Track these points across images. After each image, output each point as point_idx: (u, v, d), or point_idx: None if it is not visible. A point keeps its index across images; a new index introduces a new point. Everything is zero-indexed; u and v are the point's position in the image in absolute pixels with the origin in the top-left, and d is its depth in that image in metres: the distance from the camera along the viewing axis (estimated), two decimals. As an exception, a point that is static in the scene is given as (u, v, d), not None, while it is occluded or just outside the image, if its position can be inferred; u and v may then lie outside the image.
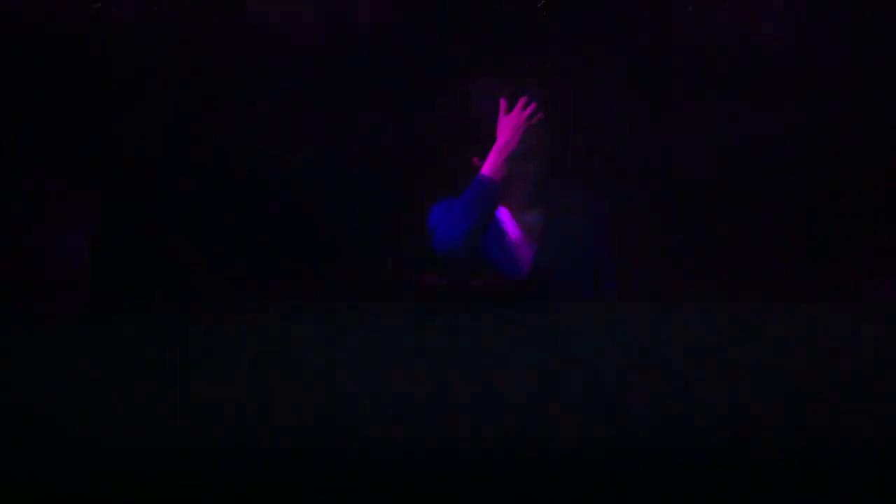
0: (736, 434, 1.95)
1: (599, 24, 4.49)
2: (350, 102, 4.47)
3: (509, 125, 3.99)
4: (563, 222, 4.04)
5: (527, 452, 1.92)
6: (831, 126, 4.47)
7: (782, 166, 4.49)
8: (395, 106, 4.46)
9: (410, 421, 1.98)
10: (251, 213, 4.39)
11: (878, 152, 4.47)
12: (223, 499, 1.84)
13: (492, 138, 4.02)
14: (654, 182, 4.47)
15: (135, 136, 4.35)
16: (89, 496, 1.83)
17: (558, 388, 2.13)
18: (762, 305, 3.37)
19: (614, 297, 4.03)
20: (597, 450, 1.91)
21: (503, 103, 4.01)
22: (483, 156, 4.02)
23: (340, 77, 4.48)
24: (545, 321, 3.14)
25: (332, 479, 1.87)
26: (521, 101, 3.99)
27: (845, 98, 4.49)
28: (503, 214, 4.05)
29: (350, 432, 1.96)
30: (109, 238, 4.20)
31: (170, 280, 4.23)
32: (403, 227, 4.27)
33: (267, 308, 3.58)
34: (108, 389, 2.14)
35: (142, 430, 1.91)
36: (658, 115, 4.50)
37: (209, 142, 4.39)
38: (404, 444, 1.93)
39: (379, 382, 2.18)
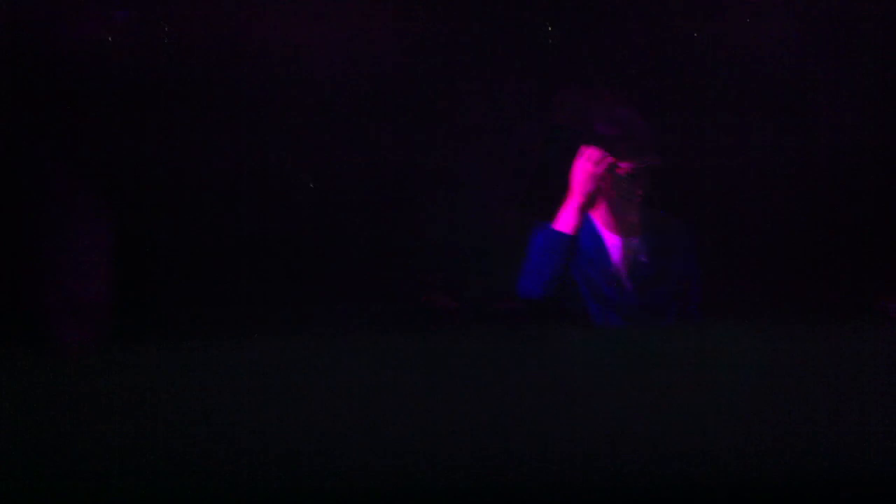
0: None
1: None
2: (363, 124, 4.48)
3: (582, 174, 4.05)
4: (656, 246, 4.13)
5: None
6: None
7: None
8: (412, 126, 4.47)
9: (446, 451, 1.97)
10: (264, 238, 4.40)
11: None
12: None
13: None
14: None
15: (155, 169, 4.37)
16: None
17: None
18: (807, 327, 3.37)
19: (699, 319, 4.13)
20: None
21: (581, 153, 4.05)
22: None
23: (358, 103, 4.50)
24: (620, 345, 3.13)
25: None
26: (593, 153, 4.01)
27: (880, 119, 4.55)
28: (607, 238, 4.12)
29: (361, 458, 1.95)
30: (127, 265, 4.21)
31: (179, 306, 4.23)
32: (412, 245, 4.29)
33: (276, 332, 3.58)
34: (117, 414, 2.15)
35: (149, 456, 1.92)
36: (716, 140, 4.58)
37: (224, 172, 4.41)
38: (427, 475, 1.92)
39: (403, 411, 2.17)
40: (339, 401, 2.21)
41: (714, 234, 4.50)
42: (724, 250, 4.55)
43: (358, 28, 4.44)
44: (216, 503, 1.87)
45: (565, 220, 4.06)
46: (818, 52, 4.61)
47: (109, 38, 4.33)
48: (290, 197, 4.45)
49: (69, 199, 4.20)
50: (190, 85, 4.37)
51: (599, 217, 4.14)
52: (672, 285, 4.12)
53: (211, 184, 4.39)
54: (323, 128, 4.45)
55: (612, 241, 4.14)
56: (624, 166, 4.05)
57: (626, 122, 4.14)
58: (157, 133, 4.33)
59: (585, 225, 4.11)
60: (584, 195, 4.04)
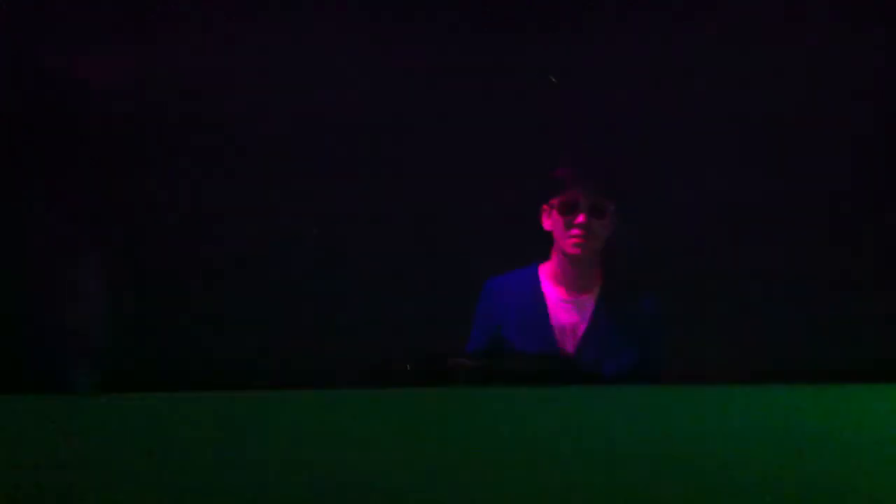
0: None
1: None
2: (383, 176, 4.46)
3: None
4: (614, 306, 3.86)
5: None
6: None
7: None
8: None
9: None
10: (276, 293, 4.41)
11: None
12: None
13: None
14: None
15: (156, 220, 4.39)
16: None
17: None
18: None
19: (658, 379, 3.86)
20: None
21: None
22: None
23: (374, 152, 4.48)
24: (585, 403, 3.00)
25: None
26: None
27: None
28: (553, 297, 3.88)
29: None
30: (123, 314, 4.27)
31: (181, 356, 4.26)
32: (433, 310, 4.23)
33: (296, 389, 3.49)
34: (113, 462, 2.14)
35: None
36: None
37: (232, 221, 4.43)
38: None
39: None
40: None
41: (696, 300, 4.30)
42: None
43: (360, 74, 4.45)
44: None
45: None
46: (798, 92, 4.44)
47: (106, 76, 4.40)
48: (309, 260, 4.49)
49: (71, 242, 4.29)
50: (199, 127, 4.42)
51: (548, 270, 3.90)
52: (622, 349, 3.82)
53: (221, 233, 4.44)
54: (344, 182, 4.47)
55: (555, 297, 3.88)
56: (569, 201, 3.81)
57: (580, 161, 3.92)
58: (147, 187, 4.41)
59: (528, 278, 3.88)
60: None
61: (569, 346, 3.81)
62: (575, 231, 3.79)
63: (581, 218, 3.78)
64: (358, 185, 4.44)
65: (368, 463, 2.06)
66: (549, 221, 3.85)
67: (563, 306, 3.85)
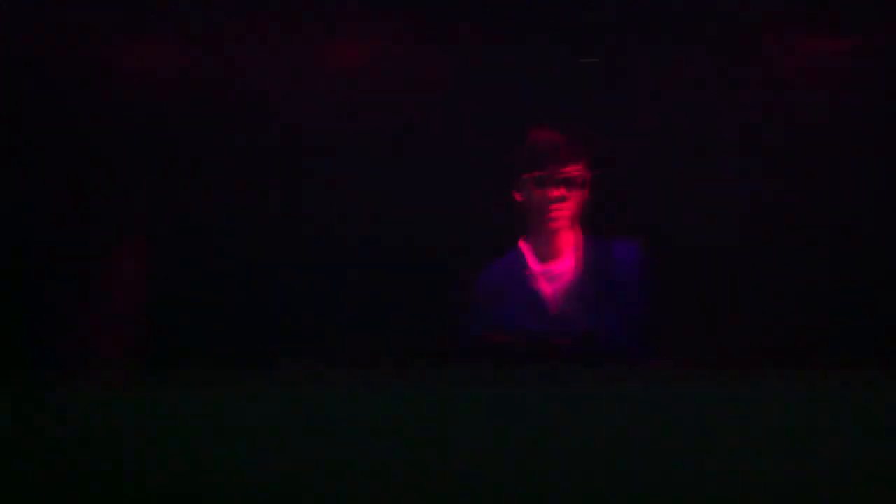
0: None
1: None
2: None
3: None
4: (590, 270, 3.85)
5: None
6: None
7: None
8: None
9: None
10: (310, 273, 4.41)
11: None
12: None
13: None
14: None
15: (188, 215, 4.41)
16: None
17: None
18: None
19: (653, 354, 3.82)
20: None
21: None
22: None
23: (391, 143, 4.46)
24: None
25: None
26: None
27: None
28: (539, 270, 3.87)
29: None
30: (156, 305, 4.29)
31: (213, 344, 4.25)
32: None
33: (333, 370, 3.51)
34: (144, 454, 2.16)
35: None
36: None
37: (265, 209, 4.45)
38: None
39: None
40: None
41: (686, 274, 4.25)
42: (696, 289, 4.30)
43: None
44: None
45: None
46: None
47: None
48: (342, 238, 4.46)
49: (102, 236, 4.32)
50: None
51: (530, 244, 3.90)
52: (613, 311, 3.80)
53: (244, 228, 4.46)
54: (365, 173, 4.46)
55: (541, 270, 3.88)
56: (541, 175, 3.81)
57: (548, 134, 3.89)
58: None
59: (515, 257, 3.88)
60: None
61: (563, 314, 3.80)
62: (553, 205, 3.81)
63: (557, 191, 3.81)
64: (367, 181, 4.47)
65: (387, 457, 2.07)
66: (524, 195, 3.85)
67: (550, 277, 3.85)
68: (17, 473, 1.99)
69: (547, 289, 3.84)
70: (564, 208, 3.81)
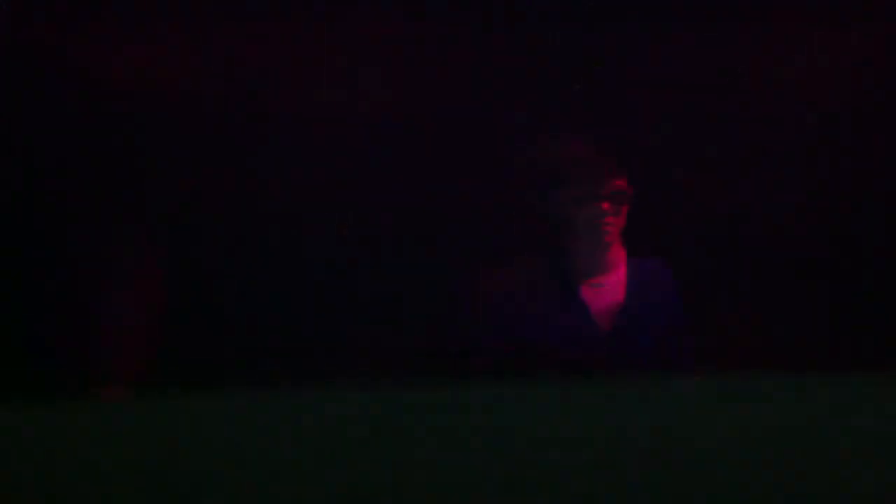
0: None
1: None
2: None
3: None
4: (640, 291, 3.88)
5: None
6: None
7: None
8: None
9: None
10: (308, 287, 4.35)
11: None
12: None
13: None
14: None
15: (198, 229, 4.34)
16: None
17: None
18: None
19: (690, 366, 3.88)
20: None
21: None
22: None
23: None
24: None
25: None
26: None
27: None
28: (583, 282, 3.88)
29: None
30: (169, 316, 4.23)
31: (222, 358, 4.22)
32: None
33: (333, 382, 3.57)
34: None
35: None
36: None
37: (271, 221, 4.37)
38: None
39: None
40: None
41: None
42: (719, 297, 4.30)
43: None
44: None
45: None
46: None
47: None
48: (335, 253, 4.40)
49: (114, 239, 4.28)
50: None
51: (574, 257, 3.90)
52: (649, 330, 3.86)
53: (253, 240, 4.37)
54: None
55: (584, 283, 3.89)
56: (581, 195, 3.84)
57: (583, 149, 3.92)
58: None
59: (557, 266, 3.90)
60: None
61: (603, 330, 3.83)
62: (599, 220, 3.83)
63: (603, 206, 3.83)
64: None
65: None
66: (565, 212, 3.86)
67: (594, 291, 3.87)
68: (18, 485, 1.99)
69: (590, 304, 3.86)
70: (609, 223, 3.84)
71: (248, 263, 4.32)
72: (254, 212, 4.33)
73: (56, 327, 4.14)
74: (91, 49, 4.30)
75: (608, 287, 3.87)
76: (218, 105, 4.34)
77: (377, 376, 4.06)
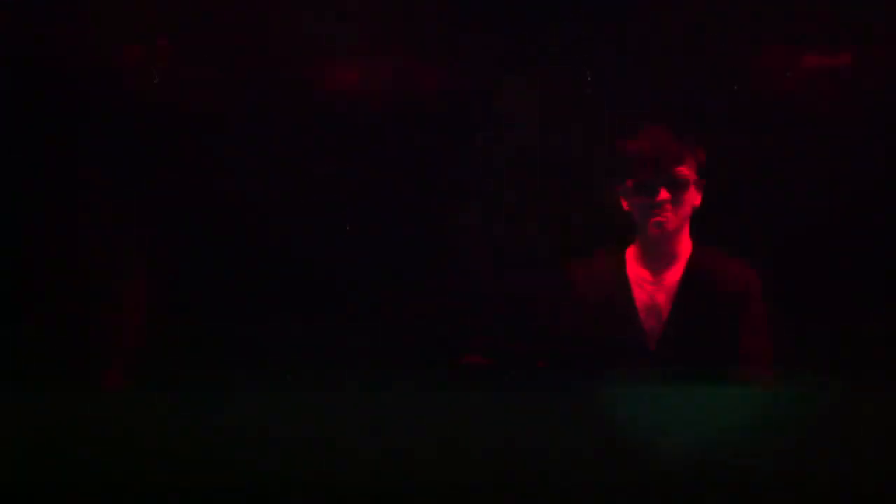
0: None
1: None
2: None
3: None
4: (703, 286, 3.56)
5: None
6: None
7: None
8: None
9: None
10: (293, 285, 4.23)
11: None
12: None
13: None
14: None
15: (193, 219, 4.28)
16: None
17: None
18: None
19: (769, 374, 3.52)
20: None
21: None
22: None
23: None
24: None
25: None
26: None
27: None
28: (636, 278, 3.61)
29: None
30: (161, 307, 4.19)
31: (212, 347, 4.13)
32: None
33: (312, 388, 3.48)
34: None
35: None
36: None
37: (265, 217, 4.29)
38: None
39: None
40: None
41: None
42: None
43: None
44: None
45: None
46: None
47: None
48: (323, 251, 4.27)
49: (111, 233, 4.25)
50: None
51: (633, 252, 3.63)
52: (716, 335, 3.50)
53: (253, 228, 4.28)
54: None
55: (637, 279, 3.59)
56: (645, 180, 3.53)
57: (648, 134, 3.59)
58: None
59: (612, 260, 3.63)
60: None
61: (652, 330, 3.54)
62: (655, 210, 3.52)
63: (659, 195, 3.51)
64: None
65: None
66: (627, 202, 3.58)
67: (647, 288, 3.58)
68: (19, 474, 1.93)
69: (641, 297, 3.58)
70: (666, 213, 3.53)
71: (252, 255, 4.21)
72: (253, 209, 4.22)
73: (56, 319, 4.07)
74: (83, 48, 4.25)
75: (662, 287, 3.59)
76: (216, 105, 4.24)
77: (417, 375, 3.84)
